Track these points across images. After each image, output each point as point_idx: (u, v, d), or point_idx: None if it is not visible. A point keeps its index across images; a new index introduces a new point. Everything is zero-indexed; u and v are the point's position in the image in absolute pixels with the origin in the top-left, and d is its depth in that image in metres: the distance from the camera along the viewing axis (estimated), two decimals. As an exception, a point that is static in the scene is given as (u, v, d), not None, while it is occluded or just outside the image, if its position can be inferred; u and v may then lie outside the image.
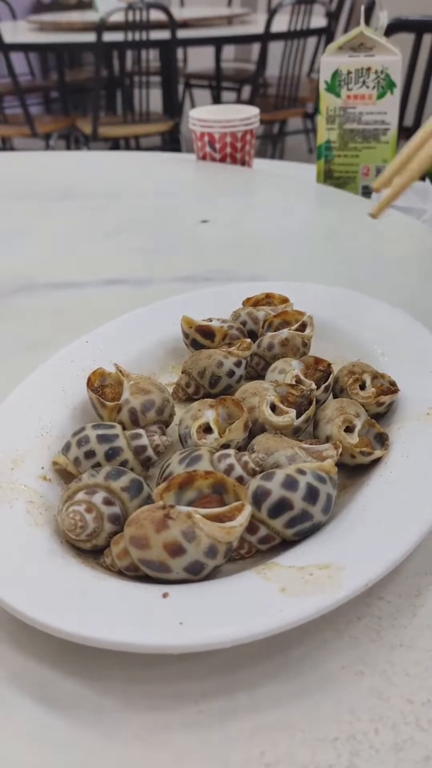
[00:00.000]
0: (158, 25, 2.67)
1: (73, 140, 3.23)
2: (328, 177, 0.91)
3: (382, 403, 0.40)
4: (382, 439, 0.37)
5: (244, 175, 0.96)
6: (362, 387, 0.41)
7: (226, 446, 0.36)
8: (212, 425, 0.37)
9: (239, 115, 0.96)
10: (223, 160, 0.99)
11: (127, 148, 3.45)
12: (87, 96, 3.55)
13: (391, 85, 0.84)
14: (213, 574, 0.30)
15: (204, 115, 0.97)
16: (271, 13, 2.69)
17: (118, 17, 2.67)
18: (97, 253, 0.72)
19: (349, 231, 0.76)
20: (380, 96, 0.85)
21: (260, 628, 0.26)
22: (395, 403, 0.41)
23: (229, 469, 0.33)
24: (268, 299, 0.51)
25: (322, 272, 0.65)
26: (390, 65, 0.83)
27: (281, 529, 0.31)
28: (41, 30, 3.31)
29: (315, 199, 0.87)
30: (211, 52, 3.48)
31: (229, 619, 0.27)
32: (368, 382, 0.41)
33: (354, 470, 0.37)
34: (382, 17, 0.86)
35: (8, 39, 2.88)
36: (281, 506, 0.31)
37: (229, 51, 3.94)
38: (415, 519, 0.31)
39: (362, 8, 0.83)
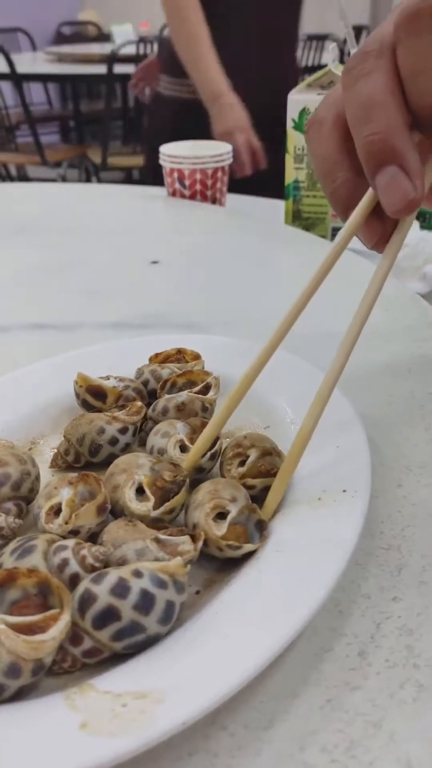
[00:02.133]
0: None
1: (83, 170, 3.25)
2: (296, 217, 0.87)
3: (251, 486, 0.35)
4: (261, 528, 0.33)
5: (211, 214, 0.93)
6: (243, 463, 0.37)
7: (76, 532, 0.32)
8: (64, 507, 0.32)
9: (210, 152, 0.93)
10: (193, 197, 0.96)
11: (141, 177, 3.46)
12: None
13: (361, 124, 0.80)
14: (22, 694, 0.26)
15: (174, 151, 0.94)
16: (282, 47, 2.69)
17: (131, 50, 2.69)
18: (33, 294, 0.68)
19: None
20: (350, 135, 0.81)
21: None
22: (291, 482, 0.36)
23: (63, 565, 0.29)
24: (179, 355, 0.47)
25: (268, 324, 0.61)
26: (360, 104, 0.80)
27: (108, 642, 0.27)
28: (59, 61, 3.36)
29: (278, 243, 0.83)
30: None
31: (10, 762, 0.22)
32: (251, 458, 0.36)
33: (226, 564, 0.32)
34: (353, 53, 0.82)
35: (26, 69, 2.92)
36: (107, 615, 0.26)
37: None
38: (265, 637, 0.26)
39: (330, 47, 0.80)
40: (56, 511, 0.33)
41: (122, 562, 0.29)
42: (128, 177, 3.28)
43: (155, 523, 0.32)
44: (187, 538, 0.30)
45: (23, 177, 3.39)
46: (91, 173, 3.14)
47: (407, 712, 0.26)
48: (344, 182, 0.35)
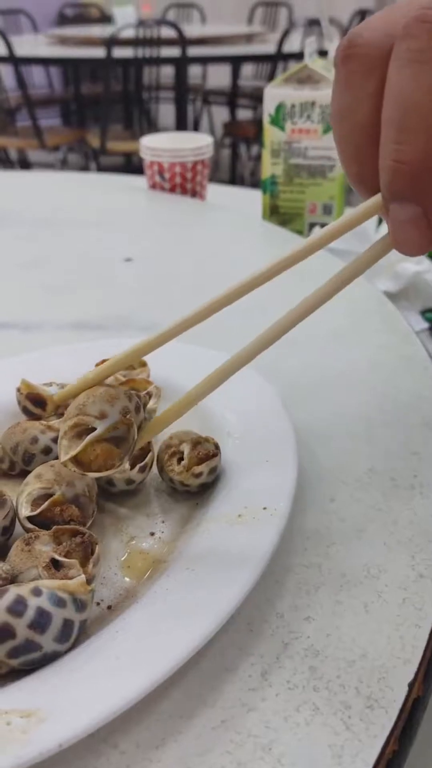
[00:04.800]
0: (171, 42, 2.66)
1: (83, 154, 3.23)
2: (273, 212, 0.87)
3: (199, 474, 0.36)
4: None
5: (190, 208, 0.92)
6: (180, 459, 0.37)
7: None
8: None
9: (189, 145, 0.92)
10: (173, 190, 0.96)
11: (141, 162, 3.45)
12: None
13: (338, 120, 0.80)
14: None
15: (154, 144, 0.93)
16: (283, 33, 2.66)
17: (131, 33, 2.66)
18: None
19: (279, 278, 0.71)
20: (326, 131, 0.80)
21: None
22: (212, 498, 0.36)
23: (-34, 581, 0.29)
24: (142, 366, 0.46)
25: (232, 331, 0.61)
26: (336, 100, 0.79)
27: (4, 659, 0.27)
28: (61, 44, 3.33)
29: (254, 239, 0.83)
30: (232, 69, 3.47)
31: None
32: (186, 452, 0.37)
33: (145, 577, 0.33)
34: (331, 48, 0.81)
35: (26, 52, 2.90)
36: (2, 633, 0.27)
37: (250, 68, 3.93)
38: (159, 657, 0.26)
39: (306, 41, 0.79)
40: None
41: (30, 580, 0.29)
42: (128, 162, 3.26)
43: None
44: (75, 562, 0.30)
45: (23, 161, 3.37)
46: (90, 158, 3.12)
47: (298, 735, 0.26)
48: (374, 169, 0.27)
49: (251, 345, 0.31)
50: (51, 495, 0.34)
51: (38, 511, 0.33)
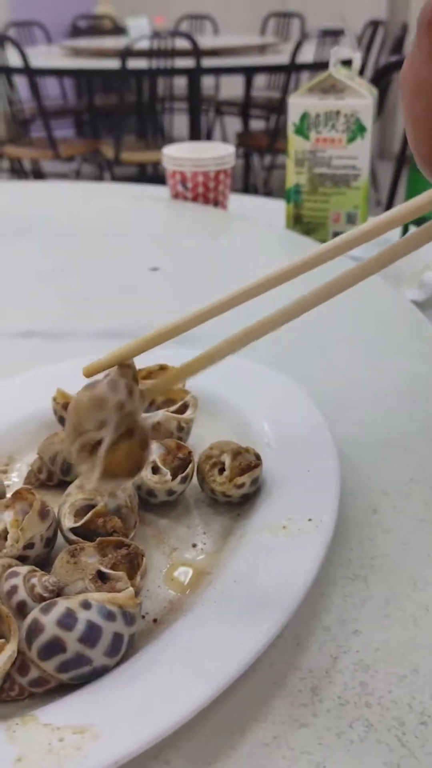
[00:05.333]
0: (185, 53, 2.67)
1: (97, 165, 3.24)
2: (297, 222, 0.87)
3: (241, 484, 0.36)
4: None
5: (213, 217, 0.92)
6: (222, 470, 0.37)
7: (31, 545, 0.32)
8: (9, 528, 0.32)
9: (212, 154, 0.92)
10: (195, 199, 0.96)
11: (155, 173, 3.46)
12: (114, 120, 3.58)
13: (362, 129, 0.80)
14: (-34, 724, 0.26)
15: (176, 153, 0.94)
16: (297, 44, 2.67)
17: (145, 44, 2.68)
18: (25, 300, 0.68)
19: (305, 287, 0.71)
20: (350, 140, 0.80)
21: None
22: (254, 509, 0.36)
23: (11, 591, 0.29)
24: (161, 371, 0.46)
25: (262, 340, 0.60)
26: (361, 109, 0.79)
27: (54, 673, 0.27)
28: (75, 55, 3.35)
29: (278, 248, 0.83)
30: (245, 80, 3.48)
31: None
32: (227, 463, 0.36)
33: (187, 590, 0.32)
34: (356, 58, 0.82)
35: (40, 63, 2.92)
36: (52, 647, 0.26)
37: (263, 79, 3.94)
38: (207, 671, 0.26)
39: (332, 50, 0.79)
40: (4, 536, 0.32)
41: (76, 592, 0.29)
42: (142, 172, 3.28)
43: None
44: (122, 574, 0.30)
45: (37, 171, 3.40)
46: (104, 168, 3.13)
47: (352, 752, 0.26)
48: None
49: (278, 313, 0.30)
50: (93, 506, 0.33)
51: (82, 522, 0.33)
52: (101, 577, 0.30)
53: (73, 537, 0.33)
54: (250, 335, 0.30)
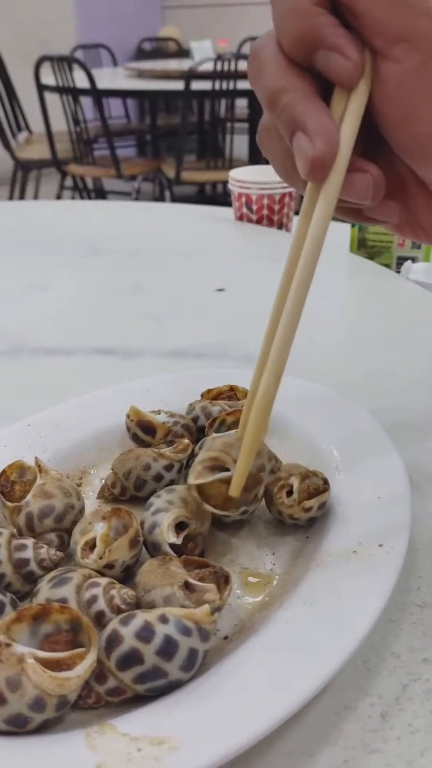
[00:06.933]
0: (247, 75, 2.70)
1: (157, 183, 3.30)
2: (361, 245, 0.87)
3: (309, 508, 0.36)
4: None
5: (277, 240, 0.93)
6: (290, 493, 0.37)
7: (111, 566, 0.33)
8: (98, 542, 0.33)
9: (277, 177, 0.93)
10: (259, 221, 0.97)
11: (213, 192, 3.51)
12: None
13: (430, 155, 0.79)
14: (46, 727, 0.27)
15: (242, 176, 0.95)
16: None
17: (208, 66, 2.73)
18: (99, 317, 0.70)
19: (370, 311, 0.71)
20: (418, 166, 0.80)
21: None
22: (324, 532, 0.36)
23: (91, 601, 0.30)
24: (231, 392, 0.47)
25: (327, 359, 0.61)
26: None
27: (131, 684, 0.28)
28: (138, 77, 3.44)
29: (342, 272, 0.83)
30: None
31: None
32: (296, 486, 0.37)
33: (257, 610, 0.33)
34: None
35: (106, 85, 3.01)
36: (130, 659, 0.27)
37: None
38: (285, 692, 0.26)
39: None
40: (92, 546, 0.34)
41: (151, 606, 0.30)
42: (201, 192, 3.32)
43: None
44: (213, 586, 0.31)
45: (99, 189, 3.48)
46: (164, 187, 3.19)
47: (425, 782, 0.26)
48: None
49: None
50: (186, 525, 0.35)
51: (181, 539, 0.34)
52: (188, 587, 0.31)
53: (170, 551, 0.34)
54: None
